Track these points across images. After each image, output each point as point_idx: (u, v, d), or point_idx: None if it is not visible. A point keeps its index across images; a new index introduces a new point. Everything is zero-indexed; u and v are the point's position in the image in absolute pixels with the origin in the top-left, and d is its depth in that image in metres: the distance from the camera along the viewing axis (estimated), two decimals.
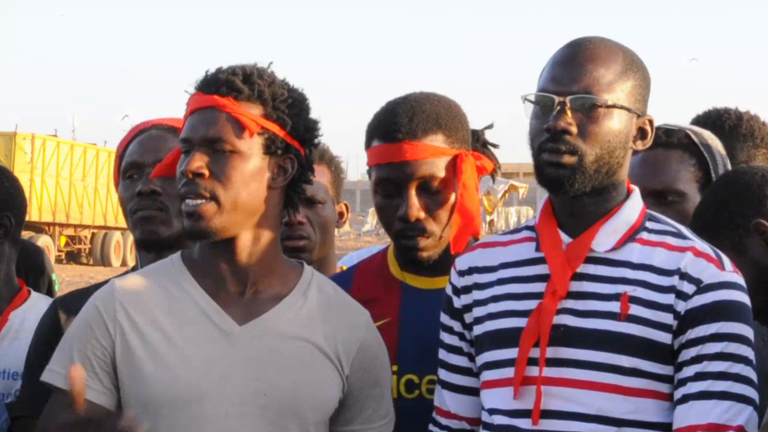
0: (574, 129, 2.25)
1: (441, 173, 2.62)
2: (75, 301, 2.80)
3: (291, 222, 3.21)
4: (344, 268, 3.32)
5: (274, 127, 2.36)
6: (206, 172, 2.31)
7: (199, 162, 2.31)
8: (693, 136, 3.04)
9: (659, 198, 2.95)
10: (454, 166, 2.63)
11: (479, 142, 2.80)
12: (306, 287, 2.43)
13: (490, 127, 2.85)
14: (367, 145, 2.69)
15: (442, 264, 2.61)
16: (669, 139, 3.02)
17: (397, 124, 2.62)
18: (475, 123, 2.78)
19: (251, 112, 2.34)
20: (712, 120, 3.33)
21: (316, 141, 2.46)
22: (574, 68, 2.27)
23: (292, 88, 2.42)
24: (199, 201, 2.31)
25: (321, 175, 3.29)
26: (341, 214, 3.43)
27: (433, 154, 2.61)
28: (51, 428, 2.25)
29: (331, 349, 2.39)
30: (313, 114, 2.46)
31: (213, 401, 2.30)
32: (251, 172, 2.34)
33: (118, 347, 2.33)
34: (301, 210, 3.21)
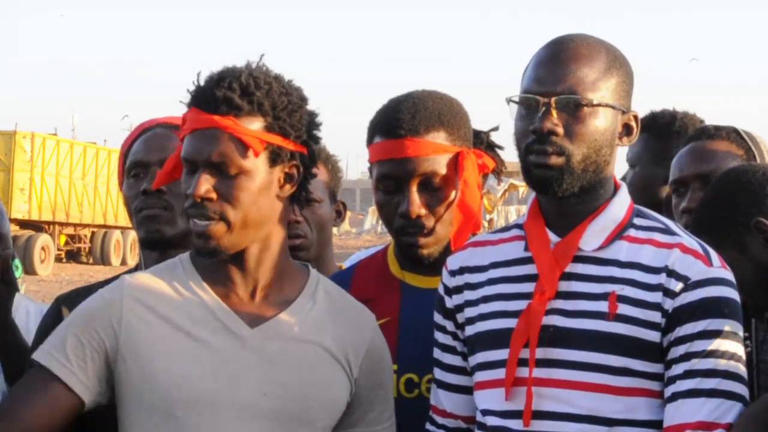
0: (560, 130, 2.25)
1: (442, 170, 2.62)
2: (78, 299, 2.78)
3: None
4: (343, 267, 3.33)
5: (277, 139, 2.32)
6: (214, 196, 2.29)
7: (206, 185, 2.28)
8: (740, 131, 3.18)
9: (707, 183, 3.02)
10: (455, 164, 2.64)
11: (484, 144, 2.80)
12: (314, 290, 2.43)
13: (495, 129, 2.84)
14: (369, 142, 2.70)
15: (442, 262, 2.59)
16: (717, 132, 3.17)
17: (399, 120, 2.62)
18: (475, 121, 2.79)
19: (253, 128, 2.30)
20: (647, 123, 3.49)
21: (318, 137, 2.43)
22: (557, 68, 2.27)
23: (288, 89, 2.36)
24: (207, 222, 2.29)
25: (317, 174, 3.29)
26: (338, 213, 3.43)
27: (435, 150, 2.62)
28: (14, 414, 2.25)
29: (340, 352, 2.39)
30: (311, 106, 2.42)
31: (224, 404, 2.29)
32: (259, 188, 2.31)
33: (122, 344, 2.30)
34: (297, 209, 3.22)
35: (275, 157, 2.33)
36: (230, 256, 2.34)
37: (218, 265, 2.37)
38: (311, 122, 2.41)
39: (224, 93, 2.29)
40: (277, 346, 2.34)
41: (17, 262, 3.89)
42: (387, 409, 2.48)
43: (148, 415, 2.30)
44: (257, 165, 2.31)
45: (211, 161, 2.29)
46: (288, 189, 2.37)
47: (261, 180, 2.31)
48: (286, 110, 2.34)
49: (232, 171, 2.29)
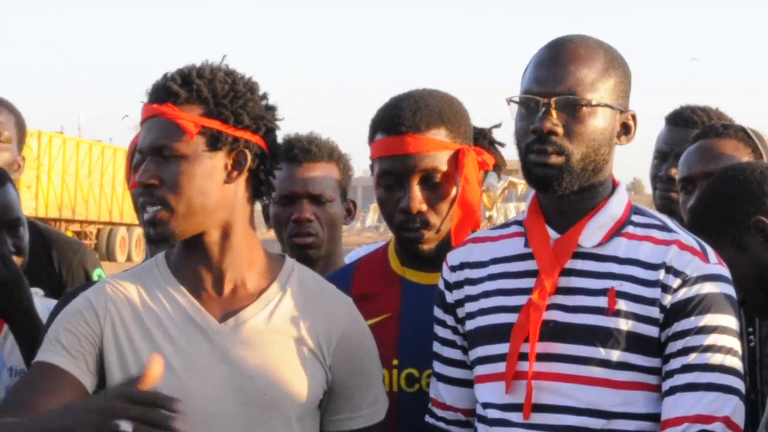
0: (560, 130, 2.28)
1: (443, 167, 2.64)
2: None
3: (299, 219, 3.25)
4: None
5: (215, 124, 2.34)
6: (156, 182, 2.34)
7: (148, 173, 2.34)
8: (748, 130, 3.19)
9: None
10: (456, 161, 2.66)
11: (486, 140, 2.82)
12: (286, 280, 2.45)
13: (498, 126, 2.86)
14: (371, 139, 2.72)
15: (443, 258, 2.61)
16: (725, 130, 3.18)
17: (400, 117, 2.65)
18: (476, 118, 2.81)
19: (190, 114, 2.34)
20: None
21: (271, 126, 2.42)
22: (557, 69, 2.31)
23: (236, 81, 2.39)
24: (153, 209, 2.35)
25: (329, 173, 3.33)
26: (349, 211, 3.46)
27: (436, 147, 2.64)
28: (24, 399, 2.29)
29: (312, 341, 2.41)
30: (271, 100, 2.44)
31: (192, 399, 2.30)
32: (201, 173, 2.34)
33: (106, 336, 2.37)
34: (309, 207, 3.26)
35: (214, 141, 2.35)
36: (190, 243, 2.39)
37: (186, 261, 2.42)
38: (261, 114, 2.41)
39: (164, 82, 2.37)
40: (244, 339, 2.37)
41: (100, 271, 3.94)
42: (370, 394, 2.47)
43: None
44: (196, 149, 2.34)
45: (153, 147, 2.36)
46: (236, 176, 2.39)
47: (202, 165, 2.35)
48: (228, 97, 2.37)
49: (171, 155, 2.34)
